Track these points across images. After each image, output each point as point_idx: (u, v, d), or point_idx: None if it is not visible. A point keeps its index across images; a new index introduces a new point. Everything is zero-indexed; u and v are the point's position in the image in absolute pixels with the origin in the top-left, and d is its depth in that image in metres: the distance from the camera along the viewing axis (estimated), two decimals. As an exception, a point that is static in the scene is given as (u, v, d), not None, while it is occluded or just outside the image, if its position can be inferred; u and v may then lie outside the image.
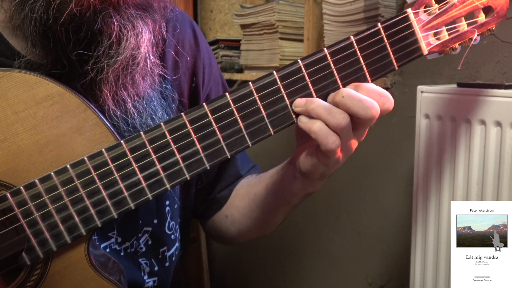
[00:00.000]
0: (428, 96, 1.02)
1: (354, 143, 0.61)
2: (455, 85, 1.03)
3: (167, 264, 0.77)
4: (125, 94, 0.63)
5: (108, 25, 0.58)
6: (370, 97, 0.58)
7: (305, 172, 0.64)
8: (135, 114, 0.64)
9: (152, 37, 0.63)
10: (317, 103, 0.58)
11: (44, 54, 0.60)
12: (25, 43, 0.61)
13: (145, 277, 0.74)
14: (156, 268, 0.75)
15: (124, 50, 0.59)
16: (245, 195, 0.79)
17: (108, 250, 0.70)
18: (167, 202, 0.75)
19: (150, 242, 0.74)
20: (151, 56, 0.64)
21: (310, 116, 0.59)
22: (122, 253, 0.71)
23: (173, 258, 0.78)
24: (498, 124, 0.93)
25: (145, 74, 0.64)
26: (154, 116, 0.67)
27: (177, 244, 0.79)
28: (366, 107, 0.57)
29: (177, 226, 0.78)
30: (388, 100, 0.59)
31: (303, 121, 0.59)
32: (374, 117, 0.58)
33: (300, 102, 0.59)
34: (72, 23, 0.57)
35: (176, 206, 0.78)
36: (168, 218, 0.76)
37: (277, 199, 0.73)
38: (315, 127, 0.58)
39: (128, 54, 0.60)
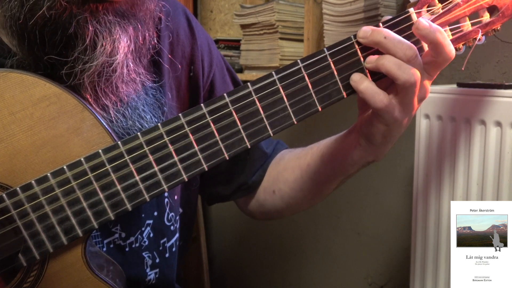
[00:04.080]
0: (428, 96, 1.02)
1: (416, 101, 0.62)
2: (455, 85, 1.03)
3: (167, 255, 0.76)
4: (107, 99, 0.62)
5: (83, 30, 0.57)
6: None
7: (367, 133, 0.64)
8: (120, 120, 0.64)
9: (133, 45, 0.61)
10: (388, 59, 0.58)
11: (27, 54, 0.59)
12: (15, 41, 0.60)
13: (147, 270, 0.74)
14: (157, 260, 0.75)
15: (98, 56, 0.58)
16: (296, 167, 0.79)
17: (112, 245, 0.69)
18: (166, 194, 0.75)
19: (151, 235, 0.74)
20: (131, 64, 0.62)
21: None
22: (127, 249, 0.71)
23: (173, 249, 0.78)
24: (498, 124, 0.93)
25: (127, 81, 0.63)
26: (142, 121, 0.66)
27: (177, 235, 0.78)
28: (406, 48, 0.57)
29: (176, 217, 0.78)
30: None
31: (353, 80, 0.60)
32: (412, 56, 0.58)
33: (371, 59, 0.59)
34: (46, 26, 0.56)
35: (176, 197, 0.77)
36: (167, 210, 0.75)
37: (335, 169, 0.73)
38: (362, 86, 0.59)
39: (103, 60, 0.58)
